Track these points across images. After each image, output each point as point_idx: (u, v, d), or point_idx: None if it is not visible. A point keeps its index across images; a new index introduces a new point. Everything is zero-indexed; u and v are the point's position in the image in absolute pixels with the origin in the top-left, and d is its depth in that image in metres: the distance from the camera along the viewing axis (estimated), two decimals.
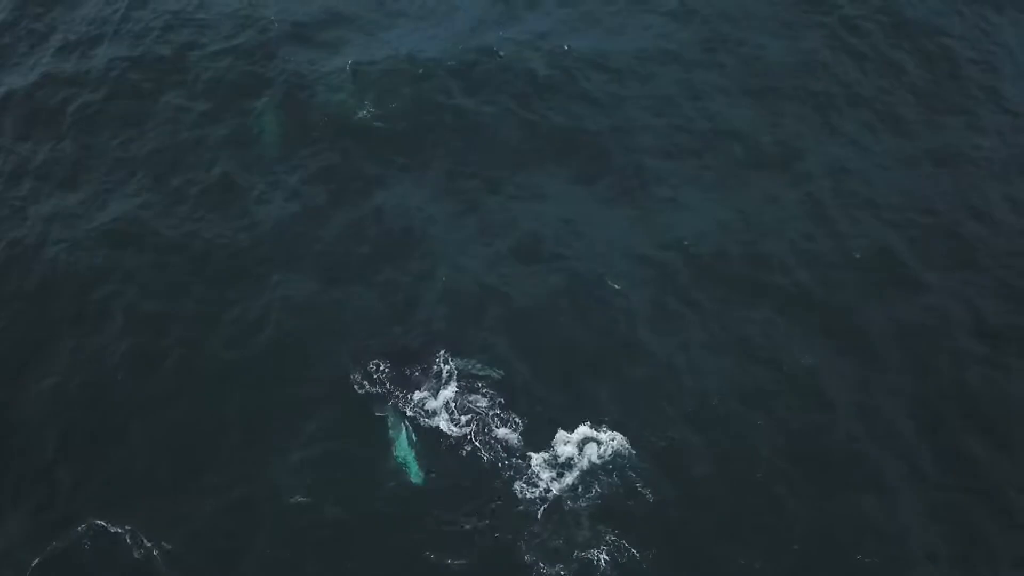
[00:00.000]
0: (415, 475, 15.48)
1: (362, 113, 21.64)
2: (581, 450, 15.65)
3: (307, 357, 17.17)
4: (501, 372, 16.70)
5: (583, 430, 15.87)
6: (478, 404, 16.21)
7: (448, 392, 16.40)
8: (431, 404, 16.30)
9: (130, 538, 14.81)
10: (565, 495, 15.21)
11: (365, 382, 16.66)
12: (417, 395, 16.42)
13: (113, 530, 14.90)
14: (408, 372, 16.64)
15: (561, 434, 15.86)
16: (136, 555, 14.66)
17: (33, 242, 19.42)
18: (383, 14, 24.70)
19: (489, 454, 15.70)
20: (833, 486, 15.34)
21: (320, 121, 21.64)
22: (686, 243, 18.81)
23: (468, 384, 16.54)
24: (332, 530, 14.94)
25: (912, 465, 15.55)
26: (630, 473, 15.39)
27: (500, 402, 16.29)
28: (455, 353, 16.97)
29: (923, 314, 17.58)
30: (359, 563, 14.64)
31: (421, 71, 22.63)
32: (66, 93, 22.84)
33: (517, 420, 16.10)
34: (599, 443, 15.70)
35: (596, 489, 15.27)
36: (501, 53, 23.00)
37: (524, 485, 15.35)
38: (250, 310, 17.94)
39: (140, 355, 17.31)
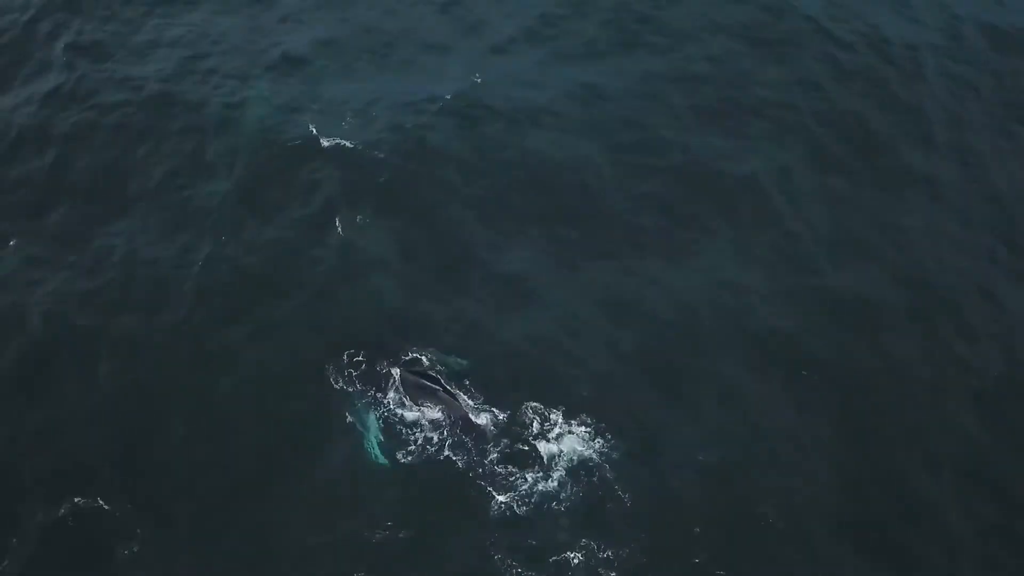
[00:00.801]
0: (379, 457, 15.65)
1: (342, 140, 21.71)
2: (559, 450, 15.69)
3: (292, 363, 17.26)
4: (465, 362, 16.95)
5: (561, 430, 15.97)
6: (454, 399, 16.23)
7: (421, 385, 16.46)
8: (401, 402, 16.44)
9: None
10: (541, 495, 15.23)
11: (340, 380, 16.80)
12: (390, 391, 16.57)
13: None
14: (379, 368, 16.82)
15: (538, 431, 15.93)
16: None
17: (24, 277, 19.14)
18: (373, 48, 24.95)
19: (463, 451, 15.74)
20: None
21: (300, 145, 21.70)
22: (662, 282, 18.80)
23: (443, 378, 16.61)
24: (307, 528, 14.97)
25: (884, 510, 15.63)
26: (608, 476, 15.43)
27: (477, 401, 16.40)
28: (427, 348, 17.18)
29: (900, 356, 17.66)
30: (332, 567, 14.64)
31: (408, 105, 22.81)
32: (56, 114, 22.91)
33: (496, 415, 16.19)
34: (577, 446, 15.76)
35: (573, 490, 15.29)
36: (484, 93, 23.13)
37: (499, 483, 15.36)
38: (241, 326, 18.02)
39: (134, 379, 17.24)
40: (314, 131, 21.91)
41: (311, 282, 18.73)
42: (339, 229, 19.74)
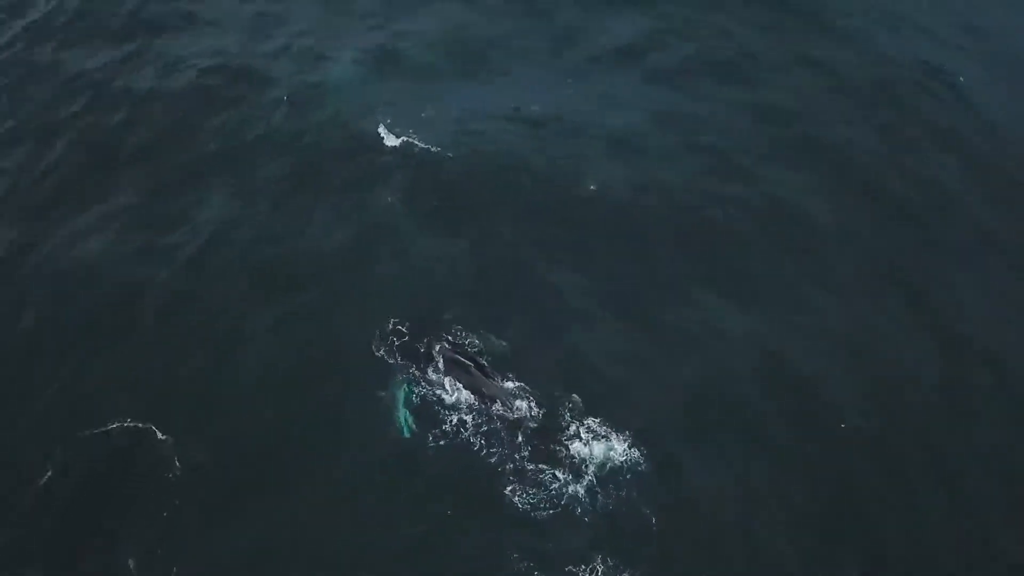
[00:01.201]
0: (405, 431, 15.46)
1: (413, 134, 21.89)
2: (591, 455, 15.28)
3: (315, 352, 17.13)
4: (505, 344, 16.77)
5: (596, 436, 15.58)
6: (492, 380, 16.02)
7: (458, 361, 16.32)
8: (442, 384, 16.24)
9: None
10: (568, 499, 14.81)
11: (383, 352, 16.69)
12: (430, 370, 16.39)
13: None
14: (420, 347, 16.68)
15: (573, 432, 15.59)
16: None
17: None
18: (463, 49, 25.09)
19: (495, 439, 15.44)
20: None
21: (370, 132, 21.89)
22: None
23: (484, 359, 16.44)
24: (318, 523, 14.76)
25: None
26: (635, 493, 14.90)
27: (516, 388, 16.14)
28: (470, 329, 17.04)
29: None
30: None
31: (488, 110, 22.91)
32: (134, 74, 23.58)
33: (532, 406, 15.90)
34: (612, 454, 15.31)
35: (600, 501, 14.81)
36: (568, 107, 23.07)
37: (527, 479, 15.02)
38: (275, 306, 17.98)
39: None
40: (388, 121, 22.13)
41: (357, 264, 18.71)
42: (395, 210, 19.80)
